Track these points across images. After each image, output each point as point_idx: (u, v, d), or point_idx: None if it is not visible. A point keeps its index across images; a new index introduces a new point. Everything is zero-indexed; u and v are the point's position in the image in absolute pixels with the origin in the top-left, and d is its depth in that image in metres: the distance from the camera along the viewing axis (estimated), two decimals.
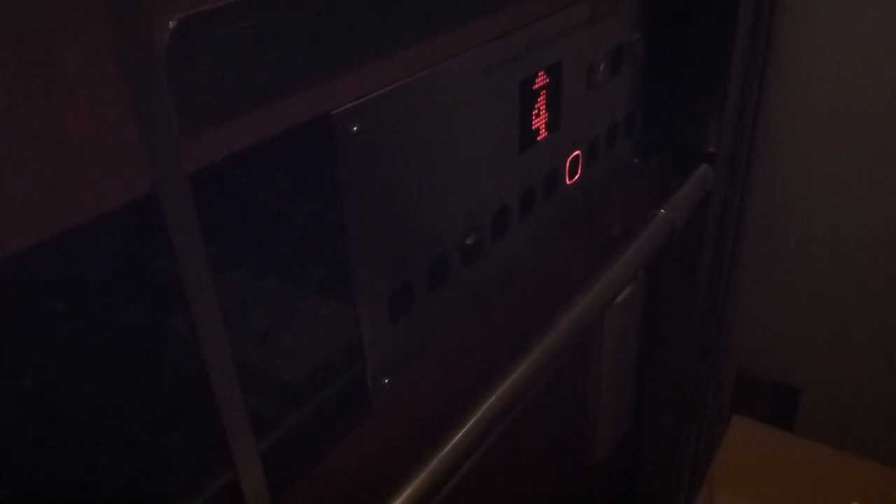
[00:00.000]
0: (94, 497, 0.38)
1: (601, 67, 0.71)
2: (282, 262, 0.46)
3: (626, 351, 1.01)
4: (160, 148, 0.32)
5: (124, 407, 0.39)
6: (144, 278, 0.37)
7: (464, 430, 0.58)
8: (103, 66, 0.30)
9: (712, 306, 1.15)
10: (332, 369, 0.52)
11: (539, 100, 0.63)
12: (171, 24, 0.32)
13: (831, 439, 1.10)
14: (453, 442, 0.57)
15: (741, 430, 1.15)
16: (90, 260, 0.35)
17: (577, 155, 0.73)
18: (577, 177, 0.74)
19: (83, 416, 0.37)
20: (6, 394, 0.33)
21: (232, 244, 0.42)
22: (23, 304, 0.33)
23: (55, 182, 0.31)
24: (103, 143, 0.32)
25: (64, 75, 0.30)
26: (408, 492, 0.52)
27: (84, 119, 0.31)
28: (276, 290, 0.47)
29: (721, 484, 1.07)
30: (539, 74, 0.62)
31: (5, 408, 0.33)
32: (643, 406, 1.21)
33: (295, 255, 0.47)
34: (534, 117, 0.63)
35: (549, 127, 0.66)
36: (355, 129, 0.44)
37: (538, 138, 0.65)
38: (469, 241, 0.59)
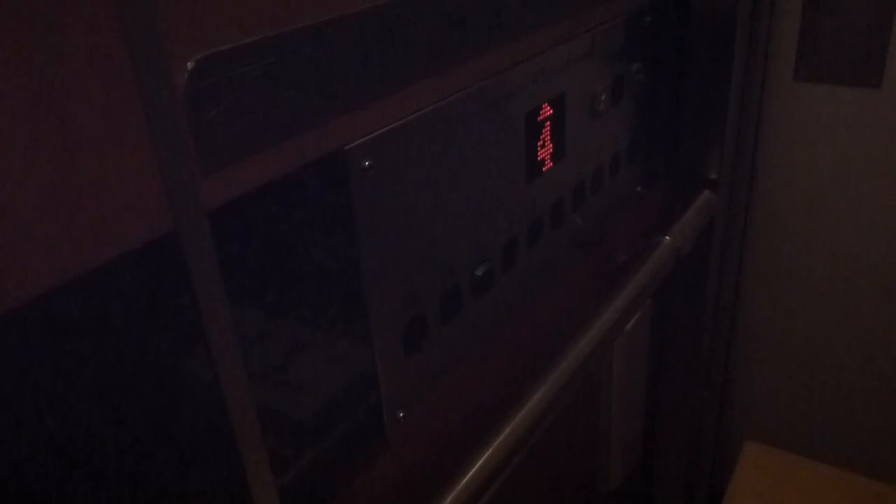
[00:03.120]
0: None
1: (603, 98, 0.72)
2: (297, 296, 0.46)
3: (636, 378, 1.01)
4: (181, 186, 0.33)
5: (143, 444, 0.39)
6: (164, 316, 0.38)
7: (478, 464, 0.58)
8: (124, 107, 0.31)
9: (720, 330, 1.15)
10: (348, 404, 0.52)
11: (544, 131, 0.64)
12: (190, 65, 0.33)
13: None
14: (468, 476, 0.57)
15: (755, 456, 1.14)
16: (111, 299, 0.35)
17: (583, 184, 0.74)
18: (582, 205, 0.75)
19: (103, 454, 0.37)
20: (30, 434, 0.33)
21: (247, 280, 0.42)
22: (44, 344, 0.33)
23: (77, 222, 0.31)
24: (124, 183, 0.32)
25: (85, 117, 0.30)
26: None
27: (105, 159, 0.31)
28: (291, 325, 0.47)
29: None
30: (543, 106, 0.63)
31: (29, 448, 0.33)
32: (655, 433, 1.21)
33: (310, 289, 0.47)
34: (539, 148, 0.64)
35: (554, 157, 0.66)
36: (367, 163, 0.45)
37: (544, 169, 0.65)
38: (479, 272, 0.59)
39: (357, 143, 0.44)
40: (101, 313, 0.35)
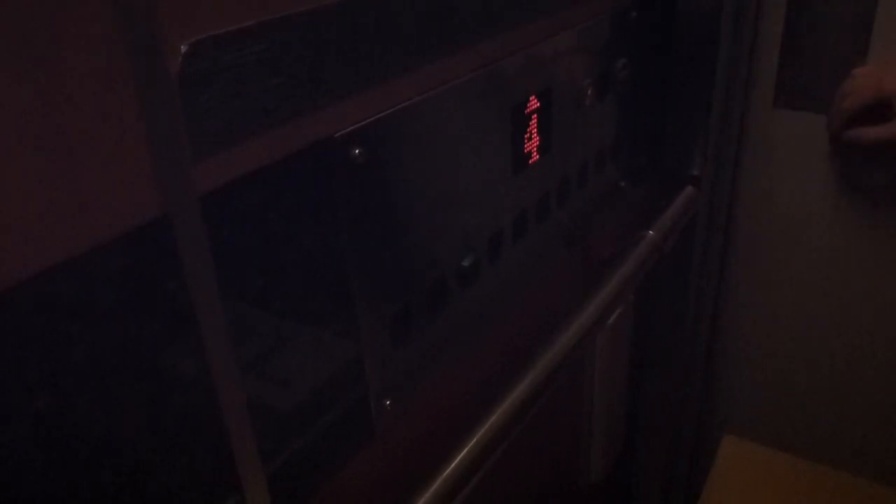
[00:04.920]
0: None
1: (589, 93, 0.73)
2: (285, 284, 0.46)
3: (617, 373, 1.02)
4: (173, 171, 0.33)
5: (133, 431, 0.39)
6: (155, 300, 0.37)
7: (462, 455, 0.58)
8: (117, 91, 0.31)
9: (701, 325, 1.16)
10: (335, 393, 0.52)
11: (531, 123, 0.64)
12: (184, 48, 0.33)
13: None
14: (452, 466, 0.57)
15: (734, 450, 1.15)
16: (103, 282, 0.35)
17: (567, 178, 0.74)
18: (567, 199, 0.75)
19: (93, 440, 0.37)
20: (20, 417, 0.33)
21: (235, 269, 0.42)
22: (34, 328, 0.33)
23: (69, 205, 0.31)
24: (117, 167, 0.32)
25: (78, 100, 0.30)
26: None
27: (98, 143, 0.31)
28: (279, 314, 0.47)
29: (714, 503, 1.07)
30: (531, 99, 0.63)
31: (19, 431, 0.33)
32: (636, 428, 1.22)
33: (298, 276, 0.47)
34: (526, 141, 0.64)
35: (540, 151, 0.67)
36: (357, 151, 0.45)
37: (531, 161, 0.66)
38: (466, 263, 0.59)
39: (347, 130, 0.44)
40: (91, 298, 0.35)
